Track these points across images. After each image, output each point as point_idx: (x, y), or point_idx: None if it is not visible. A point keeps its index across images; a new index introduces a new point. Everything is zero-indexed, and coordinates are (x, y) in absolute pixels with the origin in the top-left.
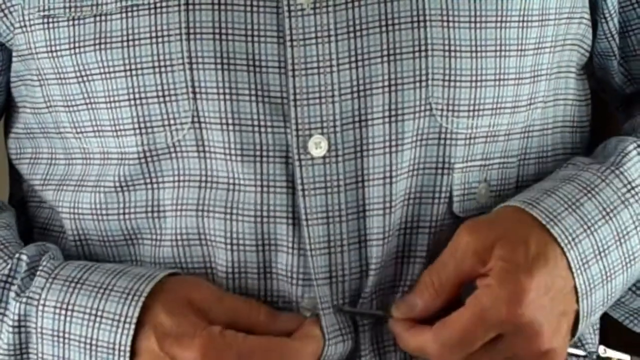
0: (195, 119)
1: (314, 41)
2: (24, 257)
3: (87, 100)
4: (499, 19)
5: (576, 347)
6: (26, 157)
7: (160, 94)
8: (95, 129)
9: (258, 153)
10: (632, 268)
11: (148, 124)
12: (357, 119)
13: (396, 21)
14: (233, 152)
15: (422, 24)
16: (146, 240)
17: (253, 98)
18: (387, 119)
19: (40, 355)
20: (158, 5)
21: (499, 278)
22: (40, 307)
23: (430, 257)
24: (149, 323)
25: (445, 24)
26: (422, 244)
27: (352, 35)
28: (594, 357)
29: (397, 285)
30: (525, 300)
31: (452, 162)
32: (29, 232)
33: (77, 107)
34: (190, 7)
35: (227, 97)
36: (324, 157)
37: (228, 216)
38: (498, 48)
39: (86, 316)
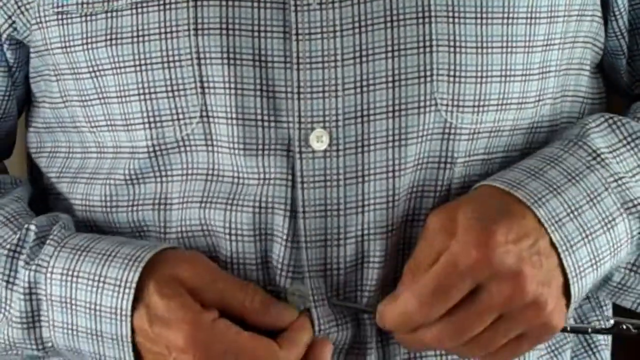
0: (204, 113)
1: (319, 36)
2: (32, 227)
3: (100, 95)
4: (505, 15)
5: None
6: (45, 151)
7: (169, 88)
8: (108, 123)
9: (260, 147)
10: (614, 229)
11: (157, 119)
12: (359, 113)
13: (401, 17)
14: (237, 145)
15: (427, 19)
16: (152, 233)
17: (258, 92)
18: (390, 114)
19: (51, 322)
20: (167, 1)
21: (464, 228)
22: (49, 275)
23: None
24: (143, 302)
25: (450, 20)
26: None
27: (357, 30)
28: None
29: (397, 278)
30: (493, 241)
31: (454, 156)
32: None
33: (90, 102)
34: (199, 3)
35: (233, 91)
36: (324, 151)
37: (228, 207)
38: (505, 44)
39: (90, 282)
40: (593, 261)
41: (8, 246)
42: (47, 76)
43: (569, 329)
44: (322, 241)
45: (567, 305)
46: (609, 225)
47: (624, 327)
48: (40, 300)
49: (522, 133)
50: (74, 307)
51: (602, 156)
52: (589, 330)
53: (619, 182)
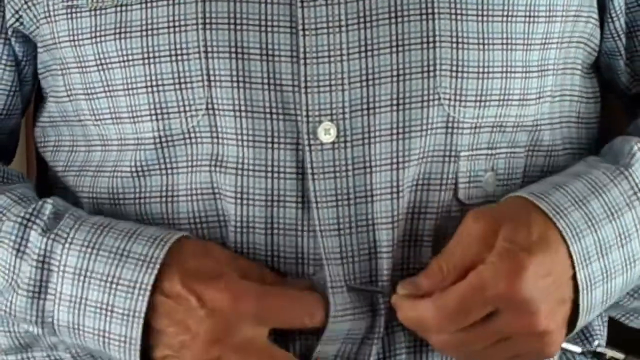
0: (210, 106)
1: (325, 31)
2: (50, 200)
3: (106, 88)
4: (505, 13)
5: (574, 343)
6: (50, 145)
7: (176, 81)
8: (113, 115)
9: (269, 139)
10: (632, 271)
11: (164, 110)
12: (364, 106)
13: (405, 13)
14: (245, 137)
15: (430, 16)
16: (160, 225)
17: (265, 86)
18: (394, 107)
19: (58, 294)
20: None
21: (499, 255)
22: (67, 245)
23: (436, 242)
24: (175, 264)
25: (453, 16)
26: (429, 229)
27: (362, 25)
28: (589, 354)
29: (404, 269)
30: (524, 276)
31: (458, 150)
32: None
33: (96, 95)
34: None
35: (241, 84)
36: (332, 143)
37: (239, 200)
38: (505, 42)
39: (112, 255)
40: (605, 300)
41: (21, 214)
42: (54, 71)
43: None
44: (335, 230)
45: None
46: (629, 267)
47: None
48: (51, 271)
49: (526, 130)
50: (87, 279)
51: None
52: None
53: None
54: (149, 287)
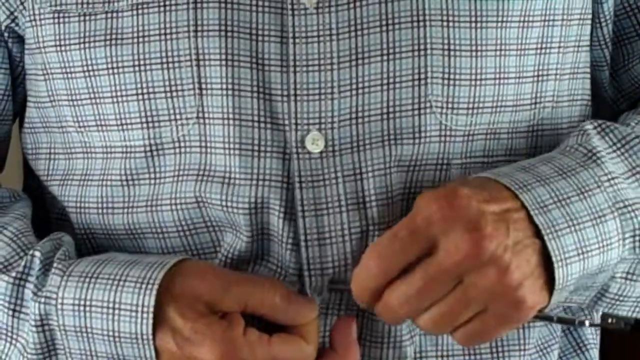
0: (200, 114)
1: (315, 39)
2: (37, 253)
3: (92, 95)
4: (499, 19)
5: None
6: (29, 152)
7: (167, 89)
8: (98, 123)
9: (256, 148)
10: (603, 225)
11: (155, 118)
12: (354, 115)
13: (396, 21)
14: (232, 146)
15: (421, 23)
16: (147, 235)
17: (255, 94)
18: (385, 116)
19: (68, 350)
20: (167, 3)
21: (433, 191)
22: (59, 306)
23: None
24: (166, 325)
25: (445, 23)
26: None
27: (352, 34)
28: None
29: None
30: (456, 196)
31: (450, 157)
32: (48, 220)
33: (81, 102)
34: (198, 5)
35: (230, 92)
36: (320, 153)
37: (224, 208)
38: (498, 47)
39: (104, 310)
40: (580, 250)
41: (14, 274)
42: (33, 75)
43: (555, 319)
44: (323, 239)
45: (550, 292)
46: (598, 220)
47: (612, 321)
48: (53, 331)
49: (523, 137)
50: (90, 335)
51: (598, 154)
52: (576, 322)
53: (612, 181)
54: (150, 337)
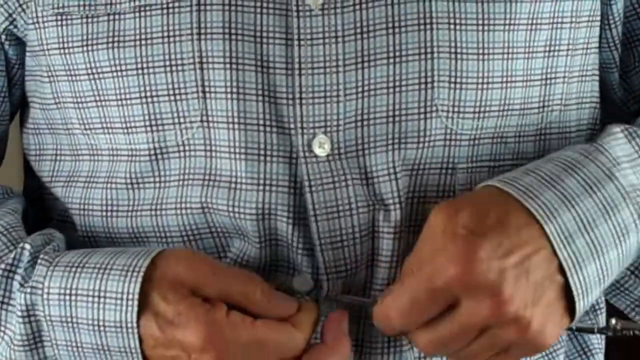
0: (204, 118)
1: (321, 41)
2: (27, 246)
3: (97, 97)
4: (507, 22)
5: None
6: (32, 153)
7: (171, 92)
8: (104, 125)
9: (262, 152)
10: (626, 242)
11: (159, 122)
12: (359, 117)
13: (402, 23)
14: (237, 150)
15: (428, 26)
16: (151, 238)
17: (260, 98)
18: (390, 119)
19: (54, 341)
20: (170, 5)
21: (450, 241)
22: (45, 296)
23: None
24: (150, 310)
25: (452, 26)
26: None
27: (358, 36)
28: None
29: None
30: (474, 259)
31: (455, 162)
32: (48, 221)
33: (86, 104)
34: (202, 7)
35: (235, 96)
36: (327, 156)
37: (231, 213)
38: (506, 51)
39: (90, 298)
40: (600, 276)
41: (3, 266)
42: (38, 77)
43: (574, 328)
44: (338, 242)
45: (571, 317)
46: (622, 238)
47: (636, 331)
48: (39, 322)
49: (531, 140)
50: (75, 325)
51: (622, 165)
52: (595, 330)
53: (638, 192)
54: (135, 325)
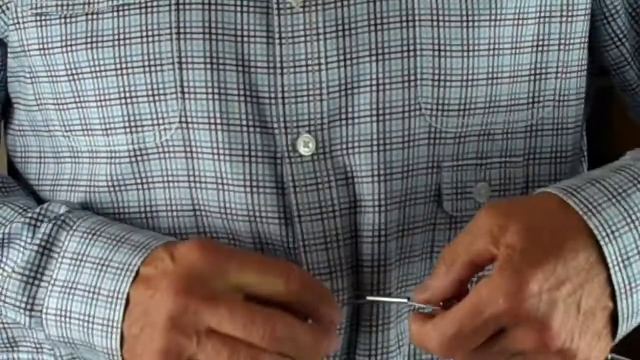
0: (183, 119)
1: (302, 39)
2: (57, 203)
3: (77, 99)
4: (492, 17)
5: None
6: (17, 155)
7: (150, 92)
8: (84, 127)
9: (247, 153)
10: None
11: (138, 123)
12: (344, 116)
13: (385, 20)
14: (221, 151)
15: (411, 23)
16: None
17: (242, 98)
18: (374, 118)
19: (53, 280)
20: (149, 4)
21: (500, 267)
22: (72, 232)
23: (427, 257)
24: (139, 279)
25: (435, 23)
26: (417, 243)
27: (340, 34)
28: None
29: (401, 286)
30: (525, 292)
31: (440, 160)
32: None
33: (66, 105)
34: (181, 6)
35: (216, 97)
36: (312, 155)
37: (224, 216)
38: (491, 47)
39: (109, 240)
40: None
41: (29, 215)
42: (22, 78)
43: (609, 357)
44: (322, 244)
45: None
46: None
47: None
48: (51, 257)
49: (520, 137)
50: (83, 263)
51: None
52: None
53: None
54: (135, 268)
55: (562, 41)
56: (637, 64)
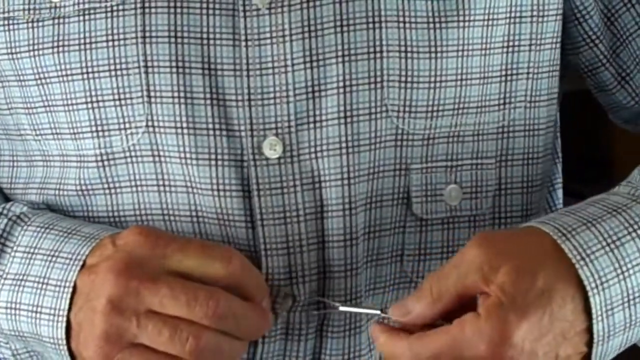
0: (150, 123)
1: (268, 41)
2: (21, 203)
3: (46, 103)
4: (460, 18)
5: None
6: None
7: (116, 97)
8: (54, 131)
9: (213, 157)
10: None
11: (105, 127)
12: (311, 119)
13: (351, 22)
14: (188, 155)
15: (377, 24)
16: None
17: (208, 101)
18: (342, 120)
19: (5, 274)
20: (115, 8)
21: (488, 311)
22: (26, 227)
23: (396, 260)
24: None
25: (401, 24)
26: (385, 246)
27: (306, 35)
28: None
29: (370, 289)
30: (507, 343)
31: (408, 162)
32: None
33: (36, 110)
34: (147, 10)
35: (182, 100)
36: (279, 159)
37: (194, 219)
38: (460, 48)
39: (60, 233)
40: (624, 344)
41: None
42: None
43: None
44: (284, 249)
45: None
46: None
47: None
48: (4, 252)
49: (492, 138)
50: (33, 256)
51: None
52: None
53: None
54: (84, 257)
55: (533, 41)
56: (614, 65)
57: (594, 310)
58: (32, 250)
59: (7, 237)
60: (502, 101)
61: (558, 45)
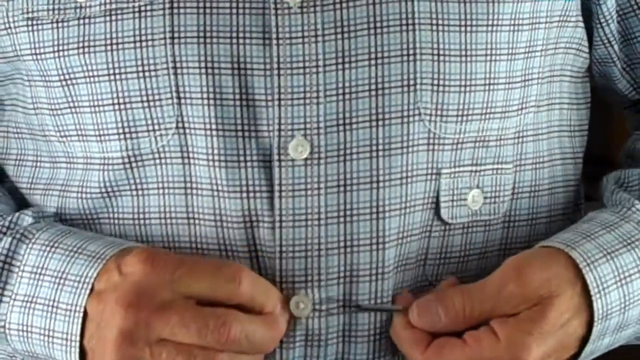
0: (180, 124)
1: (300, 40)
2: (29, 212)
3: (71, 104)
4: (490, 22)
5: None
6: (11, 158)
7: (144, 98)
8: (79, 133)
9: (242, 158)
10: None
11: (132, 129)
12: (341, 121)
13: (384, 24)
14: (216, 157)
15: (410, 27)
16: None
17: (237, 102)
18: (373, 123)
19: (14, 295)
20: (142, 9)
21: (510, 335)
22: (31, 245)
23: (420, 265)
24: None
25: (434, 27)
26: (413, 251)
27: (339, 36)
28: None
29: (396, 294)
30: None
31: (439, 167)
32: None
33: (61, 111)
34: (175, 10)
35: (212, 101)
36: (305, 160)
37: (219, 223)
38: (489, 52)
39: (66, 252)
40: (609, 346)
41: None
42: (19, 80)
43: None
44: (302, 252)
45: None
46: None
47: None
48: (11, 272)
49: (510, 144)
50: (42, 276)
51: None
52: None
53: None
54: (91, 281)
55: (543, 47)
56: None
57: (592, 338)
58: (39, 271)
59: (13, 257)
60: (520, 106)
61: (557, 51)
